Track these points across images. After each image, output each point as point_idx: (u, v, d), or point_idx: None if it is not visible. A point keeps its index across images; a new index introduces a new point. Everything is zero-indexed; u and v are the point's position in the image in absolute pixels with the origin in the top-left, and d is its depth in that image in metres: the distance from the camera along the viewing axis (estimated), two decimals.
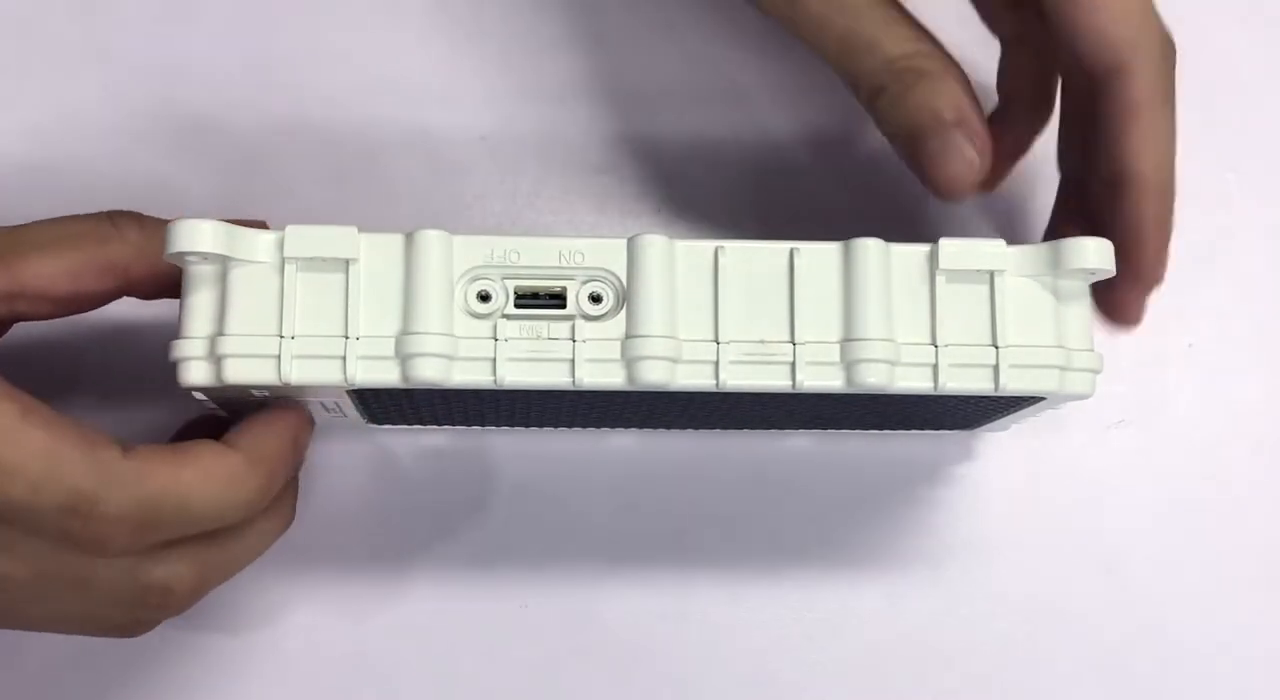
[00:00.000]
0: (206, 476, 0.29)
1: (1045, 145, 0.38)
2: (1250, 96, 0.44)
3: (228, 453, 0.30)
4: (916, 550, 0.40)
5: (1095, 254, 0.30)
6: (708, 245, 0.30)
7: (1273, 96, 0.44)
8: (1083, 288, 0.31)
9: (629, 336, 0.30)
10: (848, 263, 0.30)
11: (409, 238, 0.30)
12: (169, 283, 0.32)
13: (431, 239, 0.30)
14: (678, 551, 0.39)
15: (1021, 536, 0.40)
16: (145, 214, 0.33)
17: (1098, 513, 0.40)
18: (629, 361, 0.30)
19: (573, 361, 0.30)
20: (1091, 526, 0.40)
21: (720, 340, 0.30)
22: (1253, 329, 0.42)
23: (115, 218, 0.32)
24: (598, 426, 0.39)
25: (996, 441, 0.41)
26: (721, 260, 0.30)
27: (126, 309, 0.34)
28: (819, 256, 0.30)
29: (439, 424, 0.39)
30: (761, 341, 0.30)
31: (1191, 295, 0.42)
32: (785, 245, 0.31)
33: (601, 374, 0.30)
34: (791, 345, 0.30)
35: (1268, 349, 0.42)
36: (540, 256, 0.30)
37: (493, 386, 0.30)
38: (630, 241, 0.30)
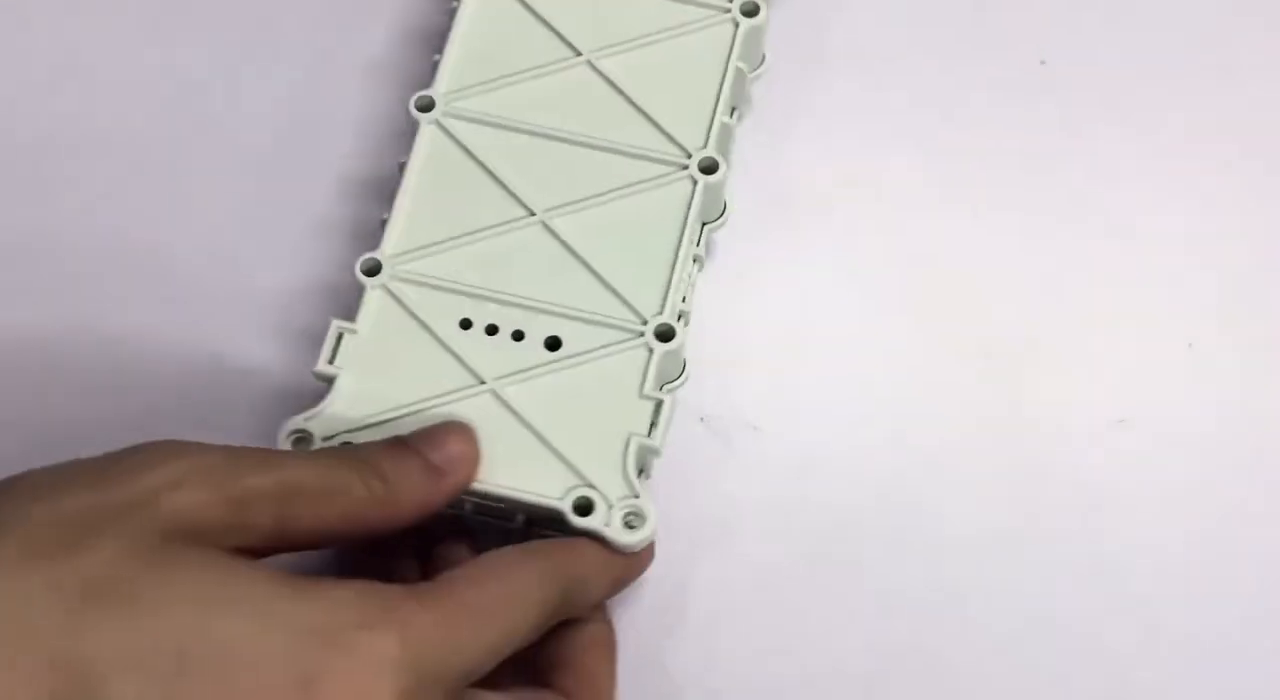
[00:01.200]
0: None
1: None
2: (1251, 95, 0.44)
3: None
4: (915, 550, 0.40)
5: None
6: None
7: (1273, 95, 0.44)
8: None
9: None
10: (743, 44, 0.40)
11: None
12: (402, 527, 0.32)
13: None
14: (678, 549, 0.39)
15: (1020, 536, 0.40)
16: (390, 460, 0.32)
17: (1098, 513, 0.40)
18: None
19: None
20: (1091, 526, 0.40)
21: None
22: (1253, 329, 0.42)
23: (369, 478, 0.31)
24: None
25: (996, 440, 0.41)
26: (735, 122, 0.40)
27: None
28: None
29: None
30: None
31: (1191, 295, 0.42)
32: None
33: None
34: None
35: (1268, 349, 0.42)
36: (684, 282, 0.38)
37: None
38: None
